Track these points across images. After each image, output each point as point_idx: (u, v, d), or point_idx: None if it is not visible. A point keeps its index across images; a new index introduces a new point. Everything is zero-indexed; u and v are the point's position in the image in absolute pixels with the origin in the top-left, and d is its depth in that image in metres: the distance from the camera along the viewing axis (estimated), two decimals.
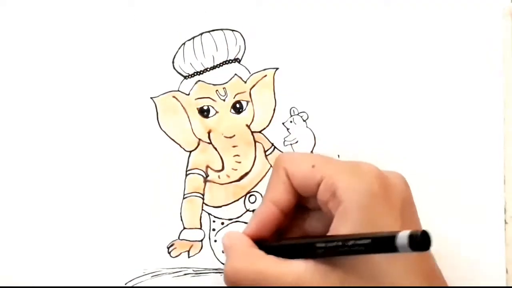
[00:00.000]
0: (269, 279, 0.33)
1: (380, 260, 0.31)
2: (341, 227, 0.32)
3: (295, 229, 0.38)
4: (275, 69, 0.43)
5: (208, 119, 0.43)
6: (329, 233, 0.33)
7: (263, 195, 0.43)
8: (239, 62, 0.43)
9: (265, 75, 0.44)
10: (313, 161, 0.35)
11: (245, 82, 0.44)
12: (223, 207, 0.43)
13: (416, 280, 0.32)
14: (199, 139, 0.43)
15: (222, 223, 0.43)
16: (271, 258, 0.34)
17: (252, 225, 0.37)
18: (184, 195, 0.43)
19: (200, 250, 0.43)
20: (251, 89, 0.44)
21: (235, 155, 0.43)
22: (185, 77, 0.43)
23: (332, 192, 0.33)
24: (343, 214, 0.32)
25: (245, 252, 0.36)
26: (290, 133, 0.44)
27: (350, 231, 0.31)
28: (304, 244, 0.34)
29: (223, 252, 0.43)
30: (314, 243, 0.32)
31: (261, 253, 0.35)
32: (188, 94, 0.43)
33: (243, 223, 0.43)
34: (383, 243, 0.29)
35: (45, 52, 0.43)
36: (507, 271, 0.43)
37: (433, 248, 0.41)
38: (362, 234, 0.31)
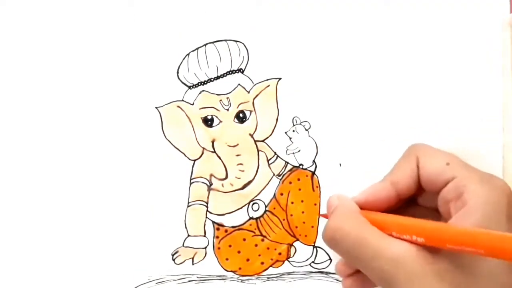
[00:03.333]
0: (367, 248, 0.33)
1: (483, 264, 0.31)
2: (459, 224, 0.32)
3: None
4: (278, 79, 0.44)
5: (212, 128, 0.44)
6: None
7: (266, 203, 0.44)
8: (242, 72, 0.44)
9: (268, 85, 0.44)
10: (449, 159, 0.35)
11: (249, 92, 0.44)
12: (226, 215, 0.44)
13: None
14: (203, 148, 0.44)
15: (226, 231, 0.44)
16: (376, 229, 0.34)
17: (364, 195, 0.37)
18: (188, 203, 0.43)
19: (204, 257, 0.44)
20: (254, 99, 0.44)
21: (238, 164, 0.44)
22: (189, 87, 0.44)
23: (459, 193, 0.33)
24: (465, 215, 0.32)
25: (352, 214, 0.35)
26: (292, 142, 0.44)
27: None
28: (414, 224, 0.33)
29: (227, 259, 0.44)
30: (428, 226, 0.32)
31: (366, 221, 0.35)
32: (192, 104, 0.44)
33: (246, 231, 0.44)
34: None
35: (49, 61, 0.43)
36: None
37: None
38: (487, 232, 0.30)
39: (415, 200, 0.38)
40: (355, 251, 0.33)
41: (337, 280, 0.44)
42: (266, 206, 0.44)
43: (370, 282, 0.39)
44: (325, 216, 0.40)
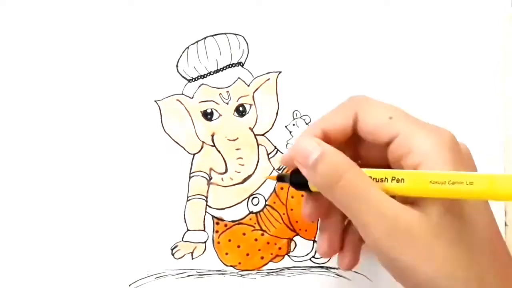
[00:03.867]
0: (370, 202, 0.31)
1: (472, 211, 0.31)
2: None
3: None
4: (278, 73, 0.44)
5: (212, 122, 0.44)
6: None
7: (266, 197, 0.44)
8: (242, 65, 0.44)
9: (268, 79, 0.44)
10: (391, 112, 0.33)
11: (248, 85, 0.44)
12: (226, 209, 0.44)
13: (496, 239, 0.32)
14: (203, 142, 0.44)
15: (225, 225, 0.44)
16: (372, 183, 0.32)
17: (287, 152, 0.36)
18: (187, 197, 0.43)
19: (203, 252, 0.43)
20: (254, 92, 0.44)
21: (238, 158, 0.44)
22: (189, 81, 0.44)
23: (408, 150, 0.32)
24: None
25: (353, 163, 0.33)
26: (292, 136, 0.44)
27: None
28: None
29: (226, 254, 0.43)
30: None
31: (363, 171, 0.32)
32: (192, 98, 0.44)
33: (246, 225, 0.44)
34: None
35: (48, 56, 0.43)
36: None
37: None
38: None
39: (355, 155, 0.36)
40: (355, 204, 0.32)
41: (338, 275, 0.44)
42: (266, 201, 0.44)
43: (350, 249, 0.38)
44: (273, 178, 0.39)
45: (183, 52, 0.44)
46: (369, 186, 0.32)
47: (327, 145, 0.33)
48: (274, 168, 0.44)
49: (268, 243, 0.44)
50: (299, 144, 0.34)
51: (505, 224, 0.43)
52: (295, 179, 0.36)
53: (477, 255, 0.31)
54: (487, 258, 0.31)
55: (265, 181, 0.44)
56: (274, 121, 0.44)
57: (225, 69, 0.44)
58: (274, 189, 0.44)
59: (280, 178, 0.38)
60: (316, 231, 0.44)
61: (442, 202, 0.31)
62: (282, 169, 0.44)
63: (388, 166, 0.34)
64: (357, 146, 0.36)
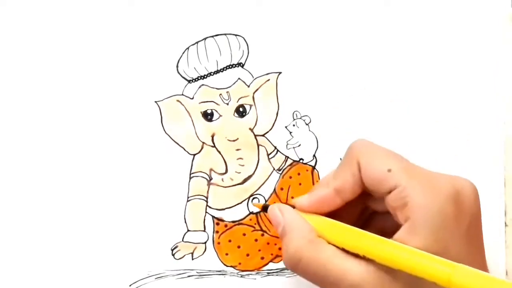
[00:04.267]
0: (331, 274, 0.33)
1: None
2: (407, 241, 0.32)
3: (349, 213, 0.37)
4: (278, 73, 0.44)
5: (212, 122, 0.44)
6: (393, 240, 0.33)
7: (266, 198, 0.44)
8: (242, 66, 0.44)
9: (268, 79, 0.44)
10: (390, 165, 0.34)
11: (249, 86, 0.44)
12: (226, 209, 0.44)
13: None
14: (203, 143, 0.44)
15: (226, 226, 0.44)
16: (335, 250, 0.33)
17: (307, 201, 0.36)
18: (188, 197, 0.43)
19: (203, 252, 0.43)
20: (254, 93, 0.44)
21: (238, 158, 0.44)
22: (189, 81, 0.44)
23: (403, 203, 0.33)
24: (412, 229, 0.32)
25: (309, 238, 0.34)
26: (292, 137, 0.44)
27: (417, 247, 0.31)
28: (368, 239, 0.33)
29: (226, 254, 0.43)
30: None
31: (323, 242, 0.34)
32: (192, 98, 0.44)
33: (246, 226, 0.44)
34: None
35: (48, 56, 0.43)
36: (507, 273, 0.43)
37: None
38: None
39: (364, 200, 0.37)
40: (317, 278, 0.33)
41: None
42: (266, 201, 0.44)
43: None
44: (259, 206, 0.41)
45: (183, 52, 0.44)
46: (328, 263, 0.33)
47: (290, 216, 0.36)
48: (274, 169, 0.44)
49: (268, 243, 0.44)
50: (270, 210, 0.38)
51: (505, 225, 0.43)
52: None
53: None
54: None
55: (265, 181, 0.44)
56: (274, 122, 0.44)
57: (225, 70, 0.44)
58: (274, 189, 0.44)
59: (265, 208, 0.39)
60: None
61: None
62: (282, 169, 0.44)
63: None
64: (365, 200, 0.37)
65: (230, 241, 0.44)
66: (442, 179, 0.33)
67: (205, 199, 0.43)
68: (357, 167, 0.35)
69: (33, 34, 0.43)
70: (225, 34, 0.44)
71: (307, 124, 0.44)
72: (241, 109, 0.44)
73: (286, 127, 0.44)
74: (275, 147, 0.44)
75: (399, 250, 0.31)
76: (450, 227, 0.32)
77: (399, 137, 0.44)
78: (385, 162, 0.34)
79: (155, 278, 0.43)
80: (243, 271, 0.44)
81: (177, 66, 0.43)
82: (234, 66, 0.44)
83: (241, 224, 0.44)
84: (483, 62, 0.44)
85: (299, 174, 0.44)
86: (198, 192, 0.43)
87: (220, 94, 0.44)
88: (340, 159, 0.43)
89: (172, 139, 0.43)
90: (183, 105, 0.44)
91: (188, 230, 0.43)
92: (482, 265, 0.34)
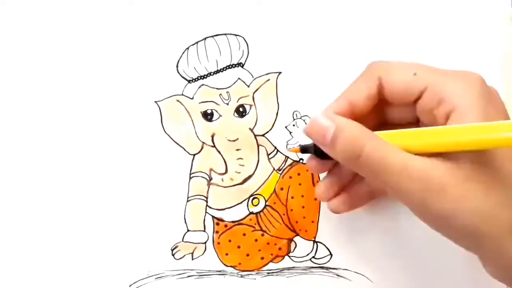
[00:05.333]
0: (396, 163, 0.32)
1: (504, 158, 0.32)
2: None
3: None
4: (278, 73, 0.44)
5: (212, 122, 0.44)
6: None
7: (266, 198, 0.44)
8: (242, 66, 0.44)
9: (268, 79, 0.44)
10: (414, 69, 0.34)
11: (248, 86, 0.44)
12: (226, 209, 0.44)
13: None
14: (203, 143, 0.44)
15: (226, 226, 0.44)
16: (394, 146, 0.32)
17: (324, 113, 0.36)
18: (188, 198, 0.43)
19: (203, 252, 0.43)
20: (254, 93, 0.44)
21: (238, 158, 0.44)
22: (189, 81, 0.44)
23: (439, 99, 0.32)
24: (460, 119, 0.31)
25: (368, 131, 0.33)
26: (292, 137, 0.44)
27: None
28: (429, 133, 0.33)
29: (226, 254, 0.43)
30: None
31: (382, 138, 0.33)
32: (192, 98, 0.44)
33: (246, 226, 0.44)
34: None
35: (49, 56, 0.43)
36: None
37: (436, 252, 0.41)
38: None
39: (381, 119, 0.37)
40: (380, 168, 0.32)
41: (338, 275, 0.44)
42: (266, 201, 0.44)
43: (355, 200, 0.40)
44: (297, 150, 0.39)
45: (183, 52, 0.44)
46: (390, 154, 0.32)
47: (342, 118, 0.34)
48: (274, 169, 0.44)
49: (268, 243, 0.44)
50: (314, 121, 0.34)
51: None
52: (319, 149, 0.36)
53: (510, 197, 0.31)
54: None
55: (265, 181, 0.44)
56: (274, 122, 0.44)
57: (225, 70, 0.44)
58: (274, 189, 0.44)
59: (304, 150, 0.38)
60: (316, 231, 0.44)
61: (472, 152, 0.31)
62: (282, 169, 0.44)
63: (417, 125, 0.34)
64: (384, 111, 0.37)
65: (230, 241, 0.44)
66: (470, 73, 0.33)
67: (205, 199, 0.43)
68: (376, 81, 0.35)
69: (33, 34, 0.43)
70: (225, 34, 0.44)
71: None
72: (241, 109, 0.44)
73: (286, 127, 0.44)
74: (275, 147, 0.44)
75: (461, 131, 0.31)
76: (492, 111, 0.32)
77: None
78: (409, 68, 0.34)
79: (155, 278, 0.43)
80: (243, 271, 0.44)
81: (177, 66, 0.43)
82: (234, 66, 0.44)
83: (241, 224, 0.44)
84: (482, 62, 0.44)
85: (299, 174, 0.44)
86: (198, 192, 0.43)
87: (220, 94, 0.44)
88: None
89: (172, 139, 0.43)
90: (183, 105, 0.44)
91: (188, 230, 0.43)
92: None
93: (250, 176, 0.44)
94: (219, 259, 0.43)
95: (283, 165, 0.44)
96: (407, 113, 0.36)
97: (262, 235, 0.44)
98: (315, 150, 0.37)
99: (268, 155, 0.44)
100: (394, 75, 0.35)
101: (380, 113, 0.37)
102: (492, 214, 0.31)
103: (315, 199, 0.43)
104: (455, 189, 0.31)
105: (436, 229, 0.33)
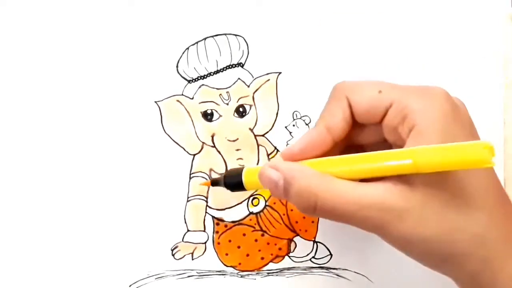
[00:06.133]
0: (349, 203, 0.31)
1: (462, 176, 0.31)
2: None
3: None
4: (278, 73, 0.44)
5: (212, 122, 0.44)
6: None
7: (266, 198, 0.44)
8: (242, 66, 0.44)
9: (268, 79, 0.44)
10: (379, 87, 0.34)
11: (248, 86, 0.44)
12: (226, 209, 0.44)
13: (492, 195, 0.32)
14: (203, 143, 0.44)
15: (226, 226, 0.44)
16: (345, 182, 0.32)
17: (299, 145, 0.35)
18: (188, 198, 0.43)
19: (203, 253, 0.43)
20: (254, 93, 0.44)
21: (238, 159, 0.44)
22: (189, 81, 0.44)
23: (403, 116, 0.32)
24: (419, 135, 0.31)
25: (317, 174, 0.33)
26: (292, 137, 0.44)
27: None
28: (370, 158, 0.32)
29: (226, 255, 0.43)
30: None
31: (331, 177, 0.33)
32: (192, 98, 0.44)
33: (246, 226, 0.44)
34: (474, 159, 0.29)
35: (49, 57, 0.43)
36: None
37: None
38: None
39: (349, 141, 0.37)
40: (337, 213, 0.32)
41: (338, 275, 0.44)
42: (266, 201, 0.44)
43: None
44: (208, 184, 0.41)
45: (183, 52, 0.43)
46: (342, 199, 0.32)
47: (289, 167, 0.34)
48: None
49: (268, 243, 0.44)
50: (261, 174, 0.34)
51: None
52: (229, 180, 0.38)
53: (472, 215, 0.31)
54: (486, 216, 0.31)
55: None
56: (274, 122, 0.44)
57: (225, 70, 0.44)
58: None
59: (214, 183, 0.39)
60: (316, 232, 0.44)
61: (425, 174, 0.31)
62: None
63: (390, 146, 0.34)
64: (352, 134, 0.36)
65: (230, 241, 0.44)
66: (433, 88, 0.33)
67: (205, 199, 0.43)
68: (345, 101, 0.34)
69: (33, 35, 0.43)
70: (225, 34, 0.44)
71: (307, 124, 0.44)
72: (241, 109, 0.44)
73: (286, 127, 0.44)
74: (275, 147, 0.44)
75: (414, 153, 0.30)
76: (453, 128, 0.32)
77: None
78: (373, 87, 0.34)
79: (155, 278, 0.43)
80: (243, 271, 0.44)
81: (177, 66, 0.43)
82: (234, 66, 0.44)
83: (241, 224, 0.44)
84: (482, 62, 0.44)
85: None
86: (198, 192, 0.43)
87: (220, 94, 0.44)
88: None
89: (172, 139, 0.43)
90: (183, 105, 0.44)
91: (188, 230, 0.43)
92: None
93: None
94: (219, 259, 0.43)
95: None
96: (375, 134, 0.35)
97: (262, 235, 0.44)
98: (225, 183, 0.38)
99: (268, 155, 0.44)
100: (360, 93, 0.34)
101: (350, 135, 0.36)
102: (449, 239, 0.31)
103: None
104: (411, 215, 0.31)
105: (400, 250, 0.33)
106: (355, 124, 0.35)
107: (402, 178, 0.31)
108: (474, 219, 0.31)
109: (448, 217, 0.31)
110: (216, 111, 0.44)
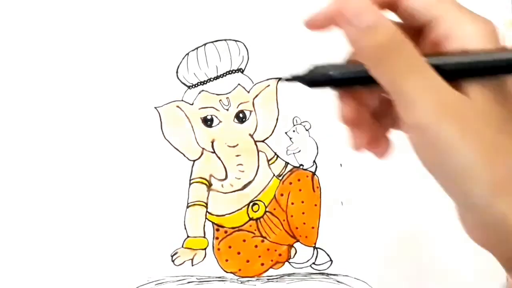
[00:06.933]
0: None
1: None
2: None
3: None
4: (278, 79, 0.44)
5: (212, 128, 0.44)
6: None
7: (266, 204, 0.44)
8: (242, 72, 0.44)
9: (268, 85, 0.44)
10: None
11: (248, 92, 0.44)
12: (226, 215, 0.44)
13: None
14: (203, 148, 0.44)
15: (226, 232, 0.44)
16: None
17: None
18: (187, 203, 0.43)
19: (203, 259, 0.43)
20: (254, 98, 0.44)
21: (238, 164, 0.44)
22: (189, 87, 0.44)
23: (449, 33, 0.30)
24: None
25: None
26: (292, 142, 0.44)
27: None
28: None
29: (226, 261, 0.43)
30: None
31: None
32: (192, 104, 0.44)
33: (246, 232, 0.44)
34: None
35: (49, 62, 0.43)
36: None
37: (437, 259, 0.41)
38: None
39: None
40: (404, 79, 0.29)
41: (338, 281, 0.44)
42: (266, 207, 0.44)
43: (383, 135, 0.35)
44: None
45: (183, 58, 0.43)
46: (424, 63, 0.29)
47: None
48: (274, 175, 0.44)
49: (268, 249, 0.44)
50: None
51: None
52: (312, 75, 0.31)
53: None
54: None
55: (265, 187, 0.44)
56: (274, 128, 0.44)
57: (225, 76, 0.44)
58: (274, 195, 0.44)
59: (295, 78, 0.30)
60: (317, 238, 0.44)
61: (487, 89, 0.29)
62: (282, 175, 0.44)
63: None
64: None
65: (230, 247, 0.43)
66: (487, 20, 0.30)
67: (205, 205, 0.43)
68: None
69: (33, 40, 0.43)
70: (225, 40, 0.44)
71: (307, 130, 0.44)
72: (241, 115, 0.44)
73: (286, 133, 0.44)
74: (275, 153, 0.44)
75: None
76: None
77: (399, 142, 0.44)
78: None
79: (155, 284, 0.43)
80: (243, 277, 0.43)
81: (177, 72, 0.43)
82: (234, 71, 0.44)
83: (241, 230, 0.44)
84: None
85: (299, 180, 0.44)
86: (198, 198, 0.43)
87: (220, 100, 0.44)
88: (341, 165, 0.43)
89: (172, 145, 0.43)
90: (183, 111, 0.43)
91: (188, 236, 0.43)
92: None
93: (250, 182, 0.44)
94: (219, 265, 0.43)
95: (283, 171, 0.44)
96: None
97: (262, 241, 0.44)
98: (308, 79, 0.31)
99: (268, 161, 0.44)
100: None
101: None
102: (496, 161, 0.29)
103: (315, 205, 0.43)
104: (468, 124, 0.28)
105: (429, 161, 0.30)
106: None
107: (463, 90, 0.29)
108: None
109: (502, 140, 0.29)
110: (216, 117, 0.44)
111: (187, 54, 0.43)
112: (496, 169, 0.29)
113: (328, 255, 0.44)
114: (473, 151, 0.29)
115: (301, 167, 0.44)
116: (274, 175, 0.44)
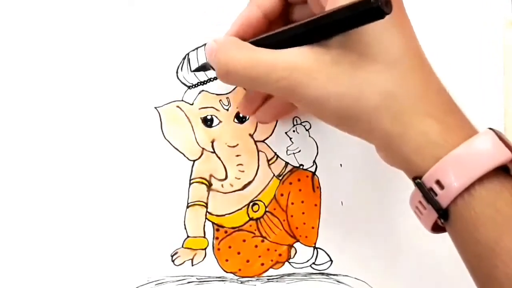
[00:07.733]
0: (262, 65, 0.33)
1: (375, 33, 0.31)
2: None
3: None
4: None
5: (212, 128, 0.44)
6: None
7: (266, 204, 0.44)
8: None
9: None
10: None
11: None
12: (226, 215, 0.44)
13: (408, 56, 0.33)
14: (203, 148, 0.44)
15: (226, 232, 0.44)
16: (264, 49, 0.33)
17: (235, 27, 0.38)
18: (187, 203, 0.43)
19: (203, 259, 0.43)
20: None
21: (238, 164, 0.44)
22: (189, 87, 0.44)
23: None
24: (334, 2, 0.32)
25: (237, 43, 0.35)
26: (292, 143, 0.44)
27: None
28: (291, 29, 0.33)
29: (226, 261, 0.43)
30: (301, 25, 0.33)
31: (252, 46, 0.34)
32: (192, 104, 0.44)
33: (246, 232, 0.44)
34: (367, 11, 0.29)
35: (49, 62, 0.43)
36: None
37: (437, 259, 0.41)
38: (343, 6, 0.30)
39: (286, 22, 0.38)
40: (252, 73, 0.33)
41: (338, 281, 0.44)
42: (266, 207, 0.44)
43: (277, 111, 0.41)
44: (205, 67, 0.42)
45: (183, 58, 0.43)
46: (255, 61, 0.33)
47: (224, 38, 0.36)
48: (274, 175, 0.44)
49: (268, 249, 0.44)
50: (207, 45, 0.37)
51: None
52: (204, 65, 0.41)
53: (383, 73, 0.31)
54: (399, 74, 0.32)
55: (265, 187, 0.44)
56: (274, 128, 0.44)
57: None
58: (274, 195, 0.44)
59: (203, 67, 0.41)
60: (317, 238, 0.44)
61: (341, 36, 0.31)
62: (282, 175, 0.44)
63: None
64: (287, 15, 0.38)
65: (230, 247, 0.43)
66: None
67: (205, 205, 0.43)
68: None
69: (33, 41, 0.43)
70: None
71: (307, 130, 0.44)
72: (241, 115, 0.44)
73: (286, 133, 0.44)
74: (275, 153, 0.44)
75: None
76: None
77: None
78: None
79: (155, 285, 0.43)
80: (243, 277, 0.43)
81: (177, 72, 0.43)
82: None
83: (241, 230, 0.44)
84: (483, 67, 0.44)
85: (299, 180, 0.44)
86: (198, 198, 0.43)
87: (220, 100, 0.44)
88: (341, 165, 0.43)
89: (172, 145, 0.43)
90: (183, 111, 0.43)
91: (188, 236, 0.43)
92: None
93: (250, 182, 0.44)
94: (219, 265, 0.43)
95: (283, 171, 0.44)
96: (306, 12, 0.36)
97: (262, 241, 0.44)
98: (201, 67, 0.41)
99: (268, 161, 0.44)
100: None
101: (284, 15, 0.38)
102: (359, 94, 0.31)
103: (315, 205, 0.43)
104: (321, 74, 0.31)
105: (314, 115, 0.34)
106: (287, 4, 0.37)
107: (321, 43, 0.32)
108: (386, 76, 0.31)
109: (359, 74, 0.31)
110: (216, 117, 0.44)
111: (187, 54, 0.43)
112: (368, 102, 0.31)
113: (328, 255, 0.44)
114: (335, 94, 0.32)
115: (301, 167, 0.44)
116: (274, 175, 0.44)
